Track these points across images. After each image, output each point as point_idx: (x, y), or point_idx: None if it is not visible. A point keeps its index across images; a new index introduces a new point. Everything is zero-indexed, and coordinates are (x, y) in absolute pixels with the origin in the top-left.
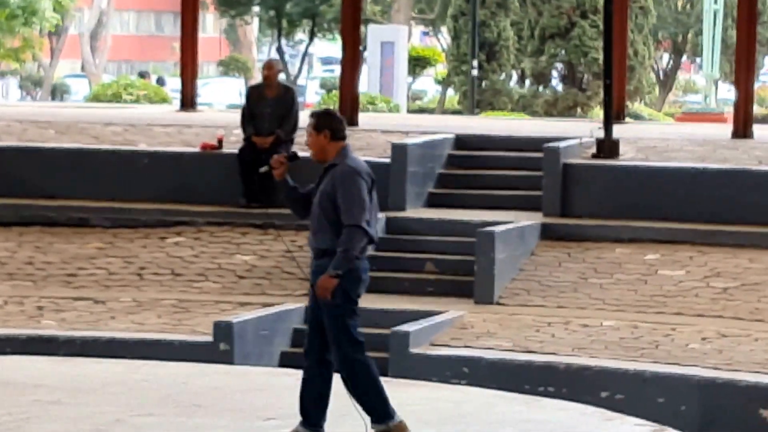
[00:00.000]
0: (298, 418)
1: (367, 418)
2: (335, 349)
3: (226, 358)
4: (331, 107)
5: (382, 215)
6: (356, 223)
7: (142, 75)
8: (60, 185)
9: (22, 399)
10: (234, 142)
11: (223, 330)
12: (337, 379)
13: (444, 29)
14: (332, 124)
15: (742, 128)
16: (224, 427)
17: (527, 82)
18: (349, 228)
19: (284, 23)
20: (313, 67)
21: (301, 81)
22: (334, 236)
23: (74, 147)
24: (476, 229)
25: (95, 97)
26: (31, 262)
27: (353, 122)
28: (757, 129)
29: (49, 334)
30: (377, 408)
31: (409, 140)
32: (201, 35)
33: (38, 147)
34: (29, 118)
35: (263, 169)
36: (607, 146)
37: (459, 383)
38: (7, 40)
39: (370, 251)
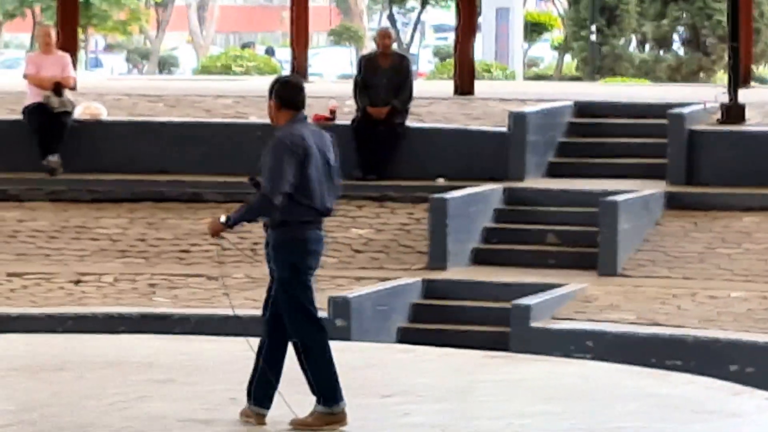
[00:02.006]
0: (388, 396)
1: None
2: (290, 325)
3: (343, 335)
4: (446, 76)
5: (500, 186)
6: (268, 194)
7: (245, 46)
8: (172, 160)
9: (135, 378)
10: (347, 113)
11: (339, 306)
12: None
13: None
14: (280, 92)
15: None
16: None
17: (648, 46)
18: (262, 196)
19: None
20: (426, 34)
21: (413, 49)
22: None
23: (185, 120)
24: (599, 199)
25: (204, 70)
26: (143, 238)
27: (469, 91)
28: None
29: (162, 312)
30: (325, 390)
31: (528, 108)
32: (311, 4)
33: (149, 121)
34: (138, 91)
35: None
36: (733, 111)
37: (583, 357)
38: (114, 13)
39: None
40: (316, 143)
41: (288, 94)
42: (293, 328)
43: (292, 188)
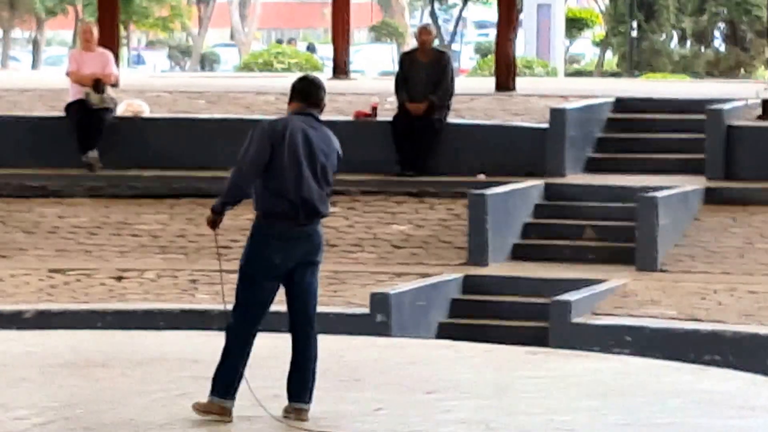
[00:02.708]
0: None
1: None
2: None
3: (383, 330)
4: (487, 73)
5: (541, 182)
6: (235, 170)
7: (281, 41)
8: (211, 156)
9: (177, 374)
10: (388, 109)
11: (379, 301)
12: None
13: None
14: (294, 84)
15: None
16: (384, 400)
17: (688, 42)
18: (231, 173)
19: None
20: (467, 31)
21: (455, 46)
22: (256, 197)
23: (226, 117)
24: (638, 195)
25: (246, 66)
26: (183, 234)
27: (510, 87)
28: None
29: (203, 308)
30: (216, 377)
31: (568, 104)
32: (352, 0)
33: (189, 117)
34: (179, 88)
35: None
36: None
37: (622, 353)
38: (155, 10)
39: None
40: (308, 137)
41: (300, 86)
42: (232, 312)
43: (259, 168)
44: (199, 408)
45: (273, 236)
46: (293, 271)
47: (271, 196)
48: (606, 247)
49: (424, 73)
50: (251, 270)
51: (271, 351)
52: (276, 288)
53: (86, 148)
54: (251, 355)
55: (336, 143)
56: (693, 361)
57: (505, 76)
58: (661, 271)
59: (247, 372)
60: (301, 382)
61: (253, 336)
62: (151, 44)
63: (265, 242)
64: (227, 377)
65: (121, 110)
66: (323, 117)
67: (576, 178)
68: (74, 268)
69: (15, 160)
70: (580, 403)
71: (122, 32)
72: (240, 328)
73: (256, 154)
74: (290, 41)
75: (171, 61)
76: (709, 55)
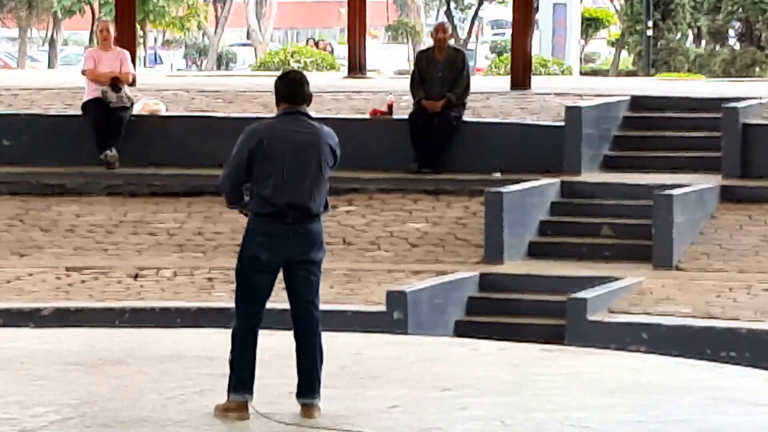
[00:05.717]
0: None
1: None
2: None
3: (400, 328)
4: (503, 71)
5: (557, 180)
6: (221, 177)
7: (317, 43)
8: (229, 154)
9: (194, 372)
10: (404, 107)
11: (396, 299)
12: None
13: None
14: (277, 85)
15: None
16: (401, 397)
17: (704, 41)
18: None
19: None
20: (483, 30)
21: (470, 45)
22: (249, 197)
23: (243, 116)
24: (654, 192)
25: (262, 66)
26: (200, 232)
27: (526, 85)
28: None
29: (220, 306)
30: (230, 376)
31: (584, 103)
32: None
33: (206, 116)
34: (196, 87)
35: None
36: None
37: (638, 350)
38: (172, 9)
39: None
40: (294, 139)
41: (283, 87)
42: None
43: (240, 174)
44: (219, 411)
45: (260, 234)
46: (288, 268)
47: (259, 198)
48: (622, 244)
49: (440, 70)
50: (242, 267)
51: (288, 349)
52: (269, 284)
53: (104, 147)
54: (263, 350)
55: (330, 138)
56: (709, 359)
57: (521, 74)
58: (677, 269)
59: (263, 371)
60: (305, 376)
61: (255, 331)
62: (167, 43)
63: (252, 240)
64: (239, 374)
65: (137, 109)
66: (340, 115)
67: (592, 176)
68: (92, 266)
69: (33, 159)
70: (595, 400)
71: (139, 31)
72: (240, 325)
73: (235, 160)
74: (317, 43)
75: (187, 61)
76: (725, 53)
